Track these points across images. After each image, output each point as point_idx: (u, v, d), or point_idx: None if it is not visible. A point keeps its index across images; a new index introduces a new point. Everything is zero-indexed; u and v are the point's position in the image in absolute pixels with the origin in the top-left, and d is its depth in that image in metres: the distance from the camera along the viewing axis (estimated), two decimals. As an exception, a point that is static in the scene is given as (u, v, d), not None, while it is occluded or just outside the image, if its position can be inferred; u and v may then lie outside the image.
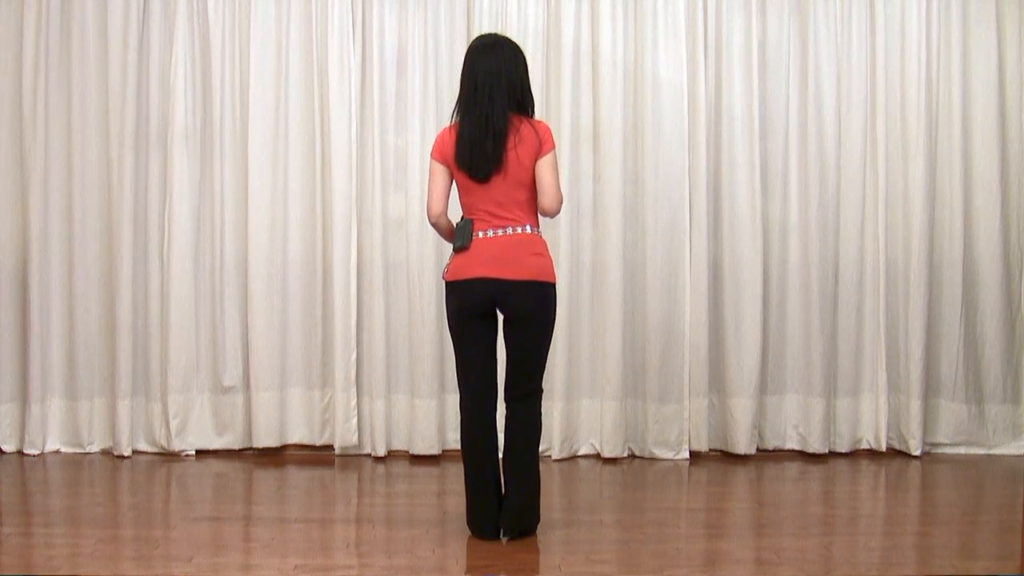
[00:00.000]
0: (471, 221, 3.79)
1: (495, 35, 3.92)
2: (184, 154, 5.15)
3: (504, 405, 3.87)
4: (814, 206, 5.23)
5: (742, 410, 5.20)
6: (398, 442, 5.26)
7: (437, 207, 3.83)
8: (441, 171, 3.82)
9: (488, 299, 3.77)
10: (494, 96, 3.72)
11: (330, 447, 5.26)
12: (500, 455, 3.89)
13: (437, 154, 3.83)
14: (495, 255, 3.74)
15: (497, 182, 3.74)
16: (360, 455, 5.24)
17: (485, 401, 3.85)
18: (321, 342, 5.23)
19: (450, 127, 3.83)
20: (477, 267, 3.75)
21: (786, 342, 5.27)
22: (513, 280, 3.73)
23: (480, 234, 3.77)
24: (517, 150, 3.72)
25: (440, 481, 4.83)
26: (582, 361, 5.21)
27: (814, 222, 5.23)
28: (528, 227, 3.78)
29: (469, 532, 3.91)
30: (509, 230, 3.76)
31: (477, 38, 3.90)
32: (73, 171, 5.17)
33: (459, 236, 3.80)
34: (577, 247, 5.15)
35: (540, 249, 3.79)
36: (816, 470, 5.06)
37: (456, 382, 3.94)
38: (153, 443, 5.23)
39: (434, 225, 3.90)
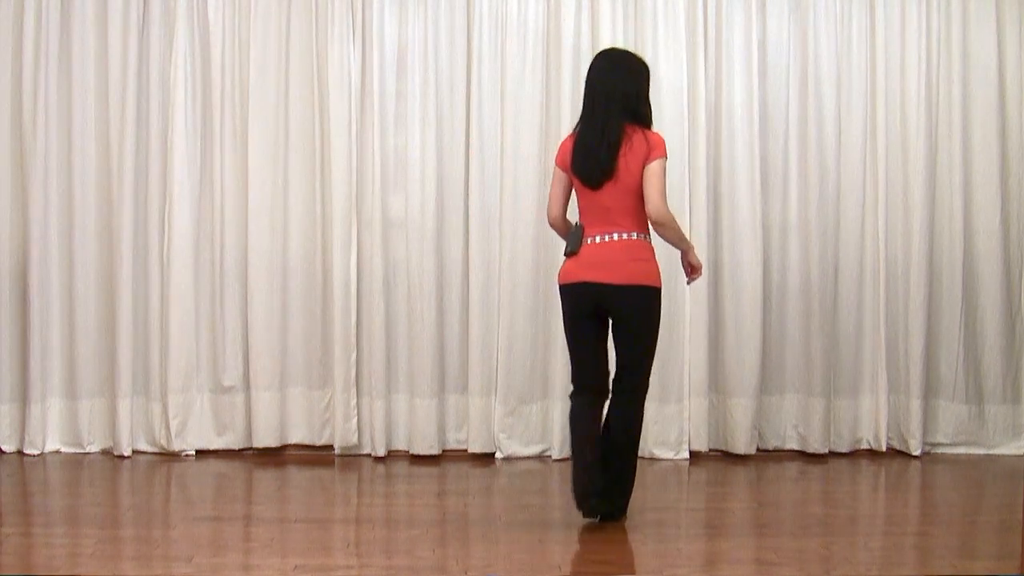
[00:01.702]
0: (582, 227, 3.96)
1: (616, 50, 4.25)
2: (184, 154, 5.15)
3: (611, 394, 4.04)
4: (814, 206, 5.23)
5: (742, 410, 5.19)
6: (398, 442, 5.25)
7: (555, 210, 4.05)
8: (561, 176, 4.03)
9: (594, 302, 3.93)
10: (610, 108, 3.89)
11: (330, 447, 5.26)
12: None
13: (559, 160, 4.04)
14: (600, 260, 3.90)
15: (608, 189, 3.89)
16: (360, 455, 5.24)
17: (595, 397, 4.00)
18: (321, 342, 5.23)
19: (571, 135, 4.01)
20: (584, 272, 3.93)
21: (786, 342, 5.27)
22: (615, 284, 3.88)
23: (589, 240, 3.94)
24: (627, 158, 3.86)
25: (440, 481, 4.83)
26: (582, 361, 5.21)
27: (814, 222, 5.23)
28: (635, 233, 3.92)
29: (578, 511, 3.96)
30: (616, 236, 3.90)
31: (599, 53, 4.18)
32: (73, 171, 5.16)
33: (570, 241, 3.99)
34: (577, 247, 5.15)
35: (645, 255, 3.93)
36: (816, 470, 5.06)
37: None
38: (153, 443, 5.22)
39: (551, 226, 4.12)
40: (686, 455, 5.21)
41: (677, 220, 3.98)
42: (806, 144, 5.24)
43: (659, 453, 5.22)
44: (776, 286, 5.28)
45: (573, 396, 4.03)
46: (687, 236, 4.10)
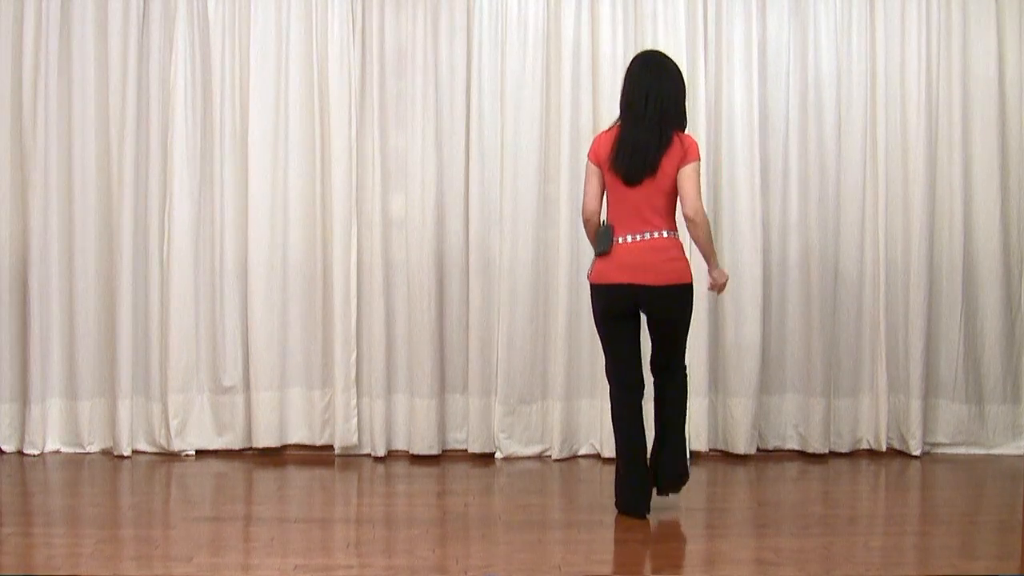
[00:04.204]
0: (612, 227, 4.02)
1: (660, 53, 4.23)
2: (184, 154, 5.15)
3: (652, 379, 4.20)
4: (814, 206, 5.23)
5: (742, 410, 5.20)
6: (398, 442, 5.26)
7: (593, 205, 4.10)
8: (596, 172, 4.09)
9: (630, 303, 4.05)
10: (664, 108, 4.00)
11: (330, 447, 5.26)
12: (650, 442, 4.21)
13: (593, 156, 4.08)
14: (636, 262, 3.99)
15: (645, 186, 3.99)
16: (360, 455, 5.24)
17: (635, 392, 4.14)
18: (321, 342, 5.23)
19: (607, 131, 4.08)
20: (619, 273, 4.01)
21: (786, 342, 5.28)
22: (652, 286, 3.99)
23: (620, 239, 4.00)
24: (666, 159, 3.98)
25: (440, 481, 4.83)
26: (582, 361, 5.21)
27: (814, 222, 5.23)
28: (666, 231, 4.02)
29: (616, 511, 4.14)
30: (647, 235, 4.00)
31: (643, 54, 4.22)
32: (73, 171, 5.16)
33: (601, 241, 4.04)
34: (577, 247, 5.14)
35: (677, 253, 4.04)
36: (816, 470, 5.07)
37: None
38: (153, 443, 5.22)
39: (586, 222, 4.15)
40: (686, 455, 5.21)
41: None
42: (806, 144, 5.24)
43: (659, 453, 5.21)
44: (776, 286, 5.28)
45: (615, 394, 4.15)
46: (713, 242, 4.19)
